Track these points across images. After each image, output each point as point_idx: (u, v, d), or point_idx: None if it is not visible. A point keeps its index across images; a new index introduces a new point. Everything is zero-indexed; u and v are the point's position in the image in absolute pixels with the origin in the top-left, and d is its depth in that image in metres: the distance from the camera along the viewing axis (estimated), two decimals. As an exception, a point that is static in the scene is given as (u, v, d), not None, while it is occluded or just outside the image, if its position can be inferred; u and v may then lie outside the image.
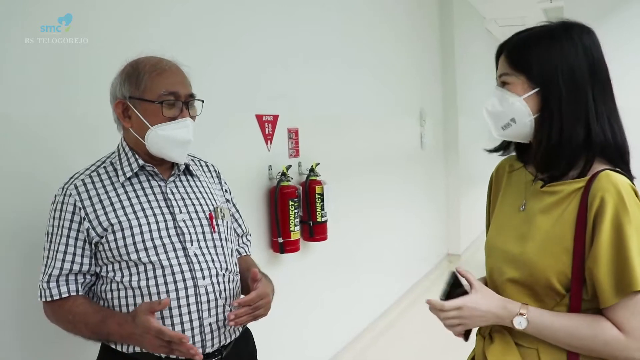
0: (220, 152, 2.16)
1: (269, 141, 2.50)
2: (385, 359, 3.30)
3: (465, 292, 1.12)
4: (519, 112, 1.09)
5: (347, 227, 3.15)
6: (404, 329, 3.74)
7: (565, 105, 1.05)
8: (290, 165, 2.52)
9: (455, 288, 1.13)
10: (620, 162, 1.07)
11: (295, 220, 2.48)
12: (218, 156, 2.01)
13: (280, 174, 2.47)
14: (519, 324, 1.06)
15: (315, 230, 2.65)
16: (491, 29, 7.16)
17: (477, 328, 1.21)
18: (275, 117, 2.53)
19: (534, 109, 1.09)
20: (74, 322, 1.23)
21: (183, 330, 1.23)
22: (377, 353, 3.36)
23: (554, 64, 1.06)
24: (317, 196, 2.63)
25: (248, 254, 1.56)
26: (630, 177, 1.05)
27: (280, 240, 2.45)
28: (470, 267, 1.15)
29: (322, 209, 2.65)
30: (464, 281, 1.15)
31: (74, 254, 1.23)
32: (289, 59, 2.64)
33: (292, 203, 2.45)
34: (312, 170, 2.67)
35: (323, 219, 2.67)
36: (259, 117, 2.43)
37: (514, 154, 1.25)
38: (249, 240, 1.58)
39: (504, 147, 1.25)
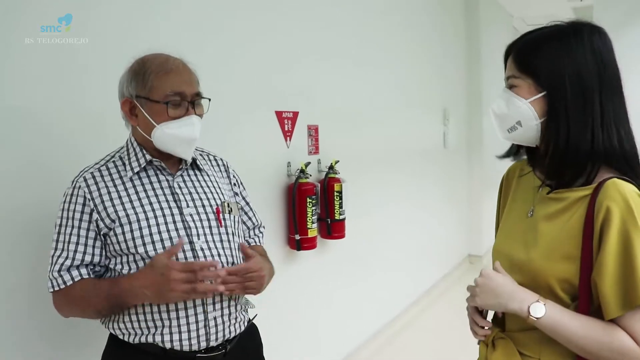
0: (239, 148, 2.17)
1: (288, 138, 2.50)
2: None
3: None
4: (525, 115, 1.07)
5: (364, 225, 3.13)
6: (419, 331, 3.71)
7: (572, 110, 1.01)
8: (309, 162, 2.52)
9: None
10: (628, 170, 1.02)
11: (313, 217, 2.48)
12: (237, 152, 2.03)
13: (298, 170, 2.47)
14: (535, 310, 1.00)
15: (332, 228, 2.65)
16: (519, 27, 7.02)
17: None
18: (295, 113, 2.53)
19: (541, 113, 1.05)
20: (85, 297, 1.24)
21: (188, 324, 1.24)
22: (391, 354, 3.34)
23: (561, 67, 1.02)
24: (335, 194, 2.62)
25: (259, 244, 1.55)
26: (639, 185, 1.00)
27: (297, 237, 2.45)
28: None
29: (341, 207, 2.64)
30: None
31: (86, 245, 1.25)
32: (309, 57, 2.64)
33: (310, 200, 2.45)
34: (331, 167, 2.67)
35: (341, 217, 2.66)
36: (279, 114, 2.44)
37: (525, 157, 1.21)
38: (261, 232, 1.57)
39: (514, 152, 1.22)
